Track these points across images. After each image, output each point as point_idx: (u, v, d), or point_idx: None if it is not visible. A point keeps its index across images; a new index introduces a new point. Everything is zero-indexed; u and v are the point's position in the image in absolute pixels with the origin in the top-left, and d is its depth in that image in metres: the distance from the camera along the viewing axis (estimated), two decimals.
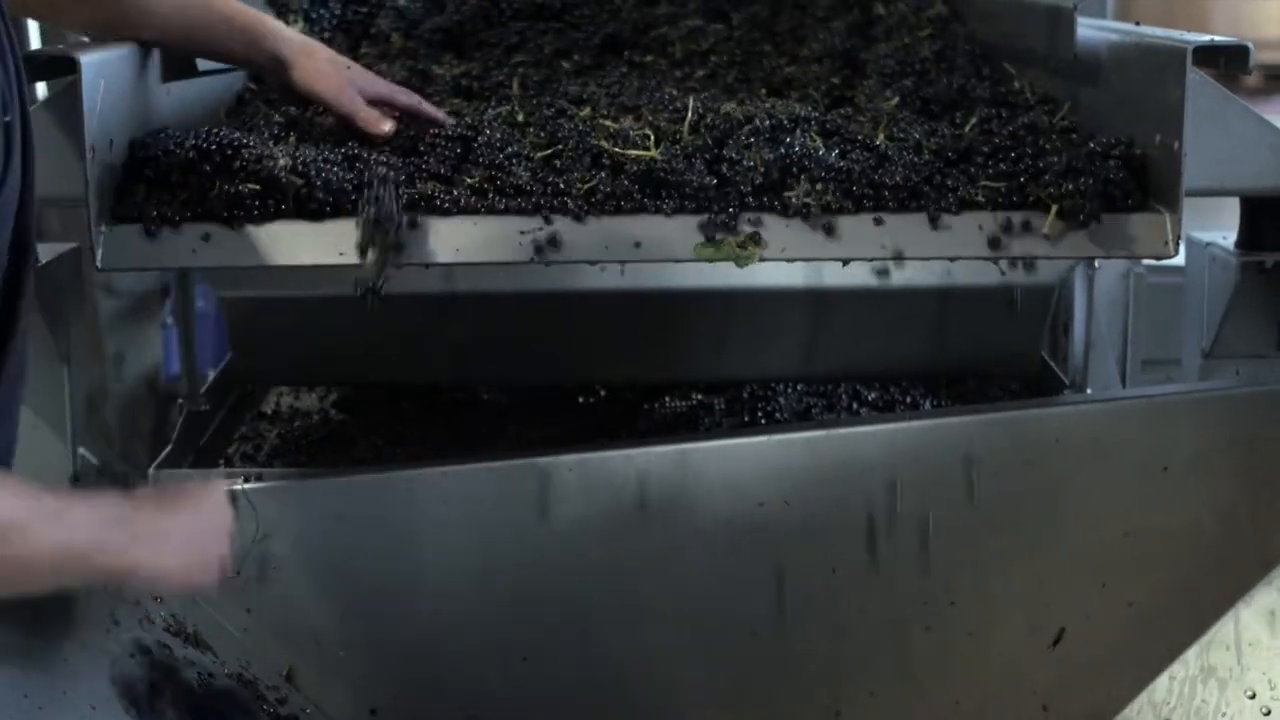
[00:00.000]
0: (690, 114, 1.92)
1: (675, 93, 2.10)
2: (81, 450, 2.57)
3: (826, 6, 2.56)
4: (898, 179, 1.83)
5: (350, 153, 1.83)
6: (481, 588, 2.04)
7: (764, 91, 2.23)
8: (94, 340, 2.66)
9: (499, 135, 1.86)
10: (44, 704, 1.60)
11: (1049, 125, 1.95)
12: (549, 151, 1.85)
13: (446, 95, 2.15)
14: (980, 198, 1.83)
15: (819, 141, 1.87)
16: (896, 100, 2.10)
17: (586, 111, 1.99)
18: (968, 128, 1.96)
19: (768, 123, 1.88)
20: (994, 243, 1.82)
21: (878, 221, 1.82)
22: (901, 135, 1.92)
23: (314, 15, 2.52)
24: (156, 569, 1.51)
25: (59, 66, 1.72)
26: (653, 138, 1.86)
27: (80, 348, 2.61)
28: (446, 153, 1.86)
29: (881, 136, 1.90)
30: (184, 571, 1.54)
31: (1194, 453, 2.03)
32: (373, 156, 1.83)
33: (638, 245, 1.80)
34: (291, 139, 1.89)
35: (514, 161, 1.83)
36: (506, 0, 2.55)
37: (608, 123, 1.92)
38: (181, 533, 1.55)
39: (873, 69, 2.28)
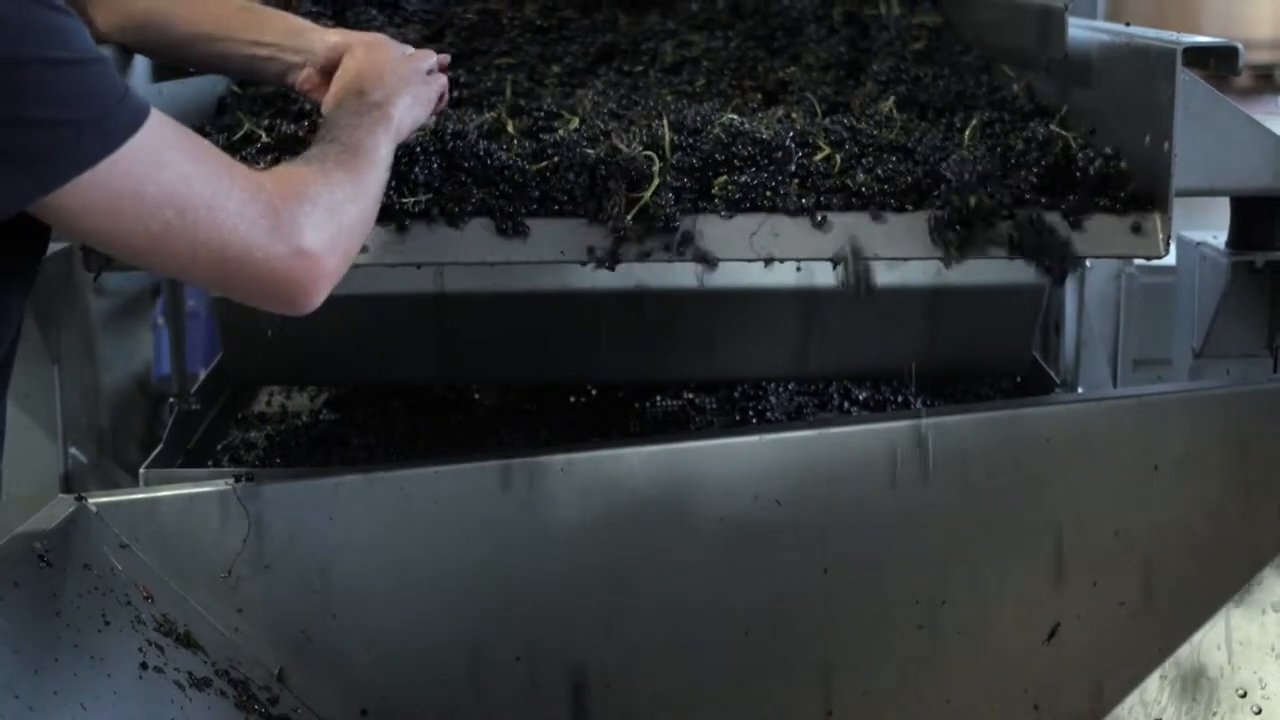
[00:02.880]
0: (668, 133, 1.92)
1: (669, 98, 2.11)
2: (72, 449, 2.57)
3: (820, 17, 2.57)
4: (903, 182, 1.84)
5: None
6: (472, 587, 2.04)
7: (759, 97, 2.24)
8: (85, 340, 2.65)
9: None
10: (35, 704, 1.60)
11: (1047, 130, 1.96)
12: (543, 164, 1.86)
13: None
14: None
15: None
16: (892, 101, 2.10)
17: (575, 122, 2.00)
18: (967, 132, 1.96)
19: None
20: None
21: (875, 217, 1.83)
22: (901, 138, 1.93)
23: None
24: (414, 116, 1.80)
25: None
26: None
27: (71, 348, 2.61)
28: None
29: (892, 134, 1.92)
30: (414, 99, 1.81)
31: (1185, 452, 2.03)
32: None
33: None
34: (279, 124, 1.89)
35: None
36: (507, 18, 2.57)
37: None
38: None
39: (867, 75, 2.29)
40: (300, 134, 1.94)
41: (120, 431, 2.76)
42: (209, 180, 1.45)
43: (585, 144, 1.86)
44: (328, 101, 1.80)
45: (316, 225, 1.52)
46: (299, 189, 1.53)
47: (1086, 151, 1.88)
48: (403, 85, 1.80)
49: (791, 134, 1.91)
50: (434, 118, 1.90)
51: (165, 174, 1.42)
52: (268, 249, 1.48)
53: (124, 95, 1.41)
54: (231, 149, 1.87)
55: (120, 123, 1.39)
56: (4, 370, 1.56)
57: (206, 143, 1.51)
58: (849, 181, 1.87)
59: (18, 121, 1.34)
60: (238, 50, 1.87)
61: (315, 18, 2.17)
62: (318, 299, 1.55)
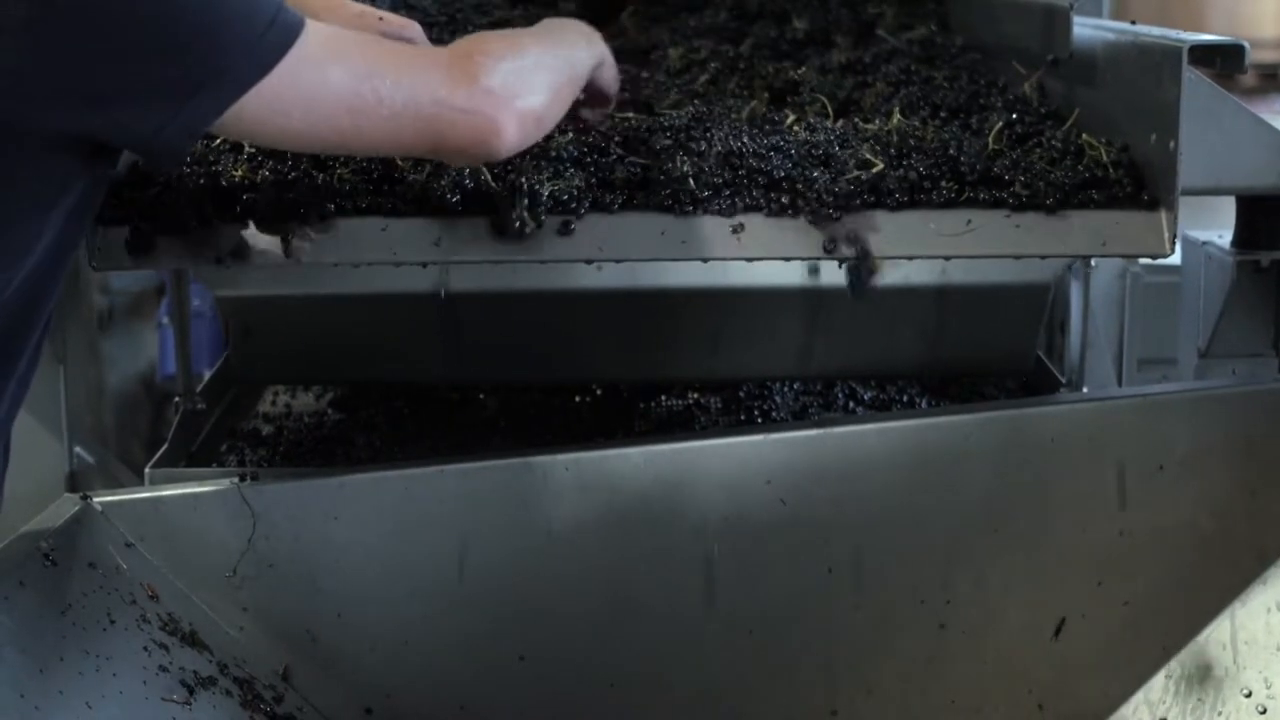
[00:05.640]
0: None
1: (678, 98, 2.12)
2: (77, 449, 2.58)
3: (825, 26, 2.59)
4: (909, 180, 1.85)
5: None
6: (477, 586, 2.04)
7: (766, 95, 2.24)
8: (90, 340, 2.66)
9: None
10: (40, 703, 1.60)
11: (1076, 139, 1.96)
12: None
13: None
14: (983, 196, 1.85)
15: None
16: (898, 106, 2.11)
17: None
18: (991, 136, 1.96)
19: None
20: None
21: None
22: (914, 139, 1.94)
23: None
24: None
25: None
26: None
27: (76, 347, 2.62)
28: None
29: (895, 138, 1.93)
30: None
31: (1190, 451, 2.03)
32: None
33: None
34: None
35: None
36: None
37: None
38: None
39: (877, 75, 2.29)
40: None
41: (125, 431, 2.76)
42: (380, 59, 1.56)
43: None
44: None
45: (499, 67, 1.61)
46: (481, 43, 1.64)
47: (1115, 165, 1.88)
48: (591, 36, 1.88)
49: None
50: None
51: (334, 70, 1.52)
52: (453, 95, 1.57)
53: (278, 9, 1.47)
54: None
55: (282, 33, 1.47)
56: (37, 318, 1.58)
57: (366, 34, 1.64)
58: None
59: (180, 47, 1.41)
60: None
61: None
62: (512, 137, 1.63)
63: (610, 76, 1.92)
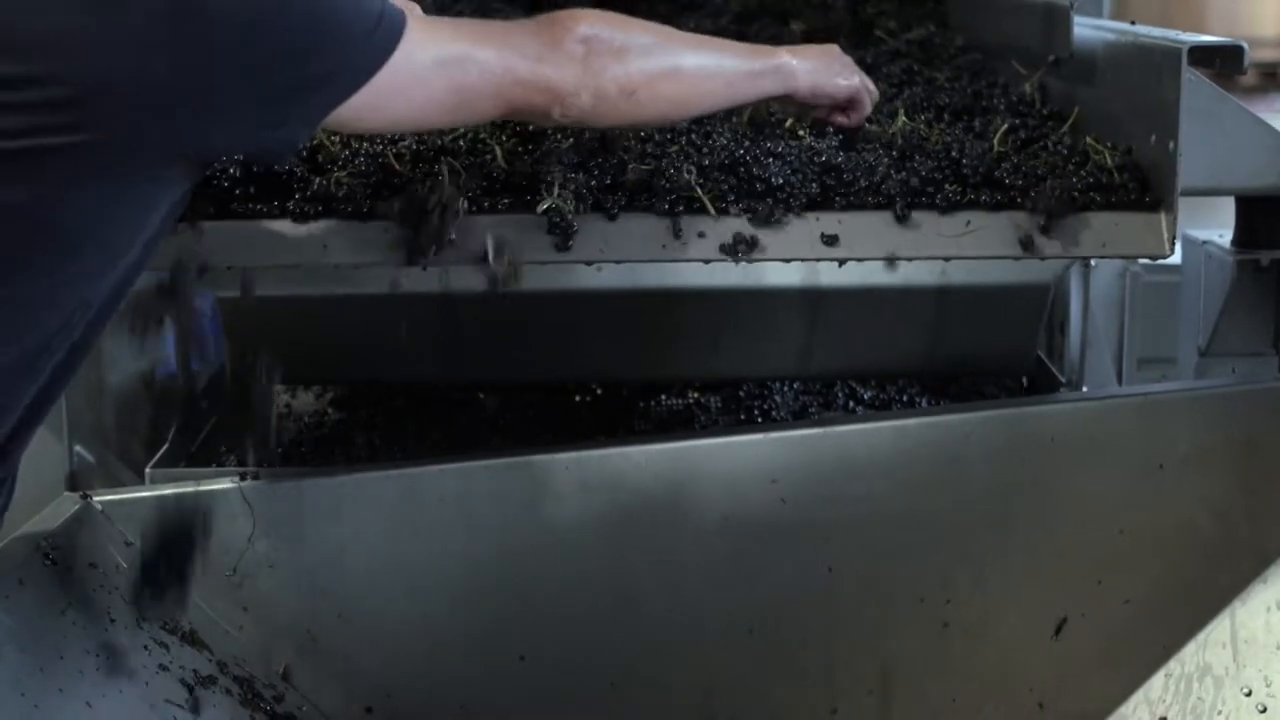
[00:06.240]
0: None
1: None
2: (78, 448, 2.57)
3: (825, 26, 2.59)
4: (914, 180, 1.85)
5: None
6: (477, 586, 2.04)
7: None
8: None
9: None
10: (40, 701, 1.60)
11: (1048, 130, 1.96)
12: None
13: None
14: (984, 198, 1.85)
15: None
16: (902, 108, 2.11)
17: None
18: (996, 138, 1.96)
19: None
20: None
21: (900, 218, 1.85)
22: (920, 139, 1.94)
23: None
24: (802, 65, 1.85)
25: None
26: None
27: None
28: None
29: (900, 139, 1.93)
30: (826, 69, 1.88)
31: (1190, 450, 2.03)
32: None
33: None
34: None
35: None
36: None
37: None
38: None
39: (879, 76, 2.29)
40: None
41: (126, 430, 2.76)
42: (479, 37, 1.63)
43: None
44: None
45: (587, 37, 1.67)
46: (580, 17, 1.69)
47: (1120, 169, 1.88)
48: (823, 55, 1.90)
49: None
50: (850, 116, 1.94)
51: (439, 52, 1.58)
52: (537, 63, 1.64)
53: (384, 5, 1.52)
54: None
55: (390, 29, 1.52)
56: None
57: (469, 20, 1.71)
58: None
59: (296, 52, 1.45)
60: None
61: None
62: (585, 102, 1.68)
63: (830, 79, 1.90)
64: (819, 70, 1.87)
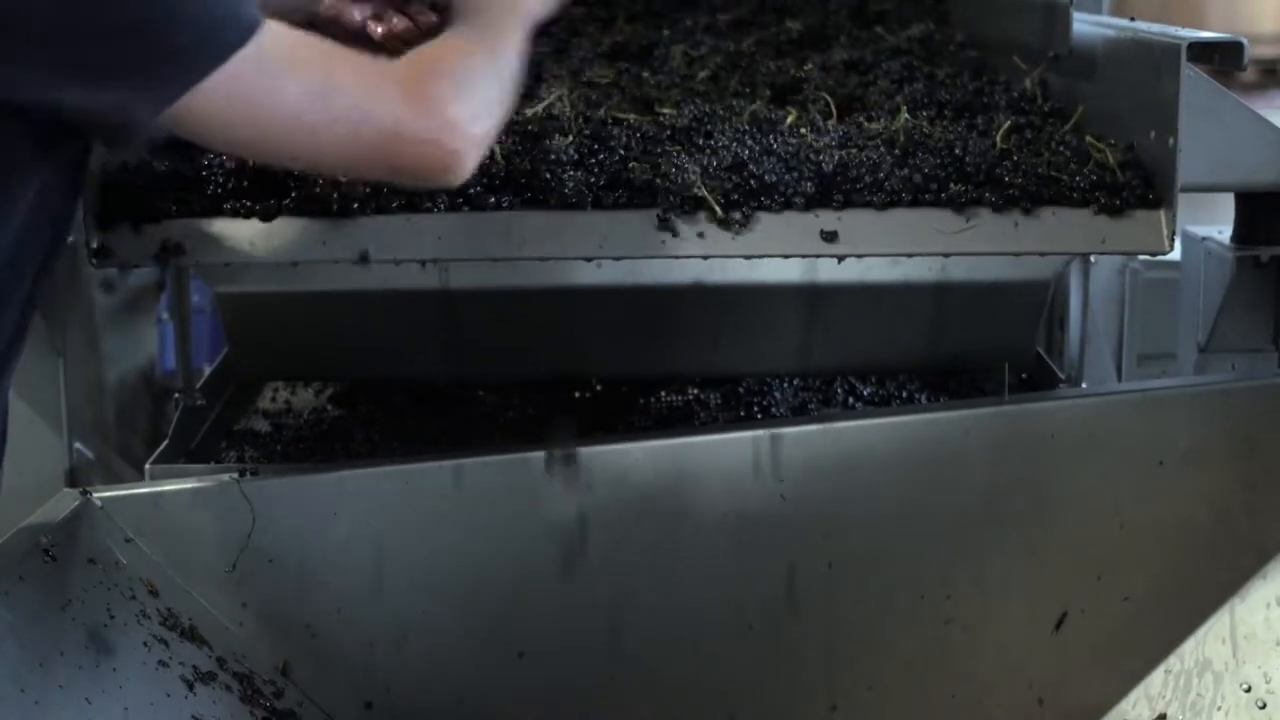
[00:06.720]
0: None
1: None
2: (77, 444, 2.58)
3: (824, 24, 2.59)
4: (918, 178, 1.85)
5: None
6: (477, 582, 2.04)
7: (768, 93, 2.24)
8: (89, 335, 2.66)
9: None
10: (40, 697, 1.60)
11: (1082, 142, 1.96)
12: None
13: None
14: (989, 195, 1.85)
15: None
16: (904, 104, 2.11)
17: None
18: (999, 136, 1.96)
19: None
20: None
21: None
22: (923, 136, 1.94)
23: None
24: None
25: None
26: None
27: (75, 342, 2.62)
28: None
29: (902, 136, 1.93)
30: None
31: (1189, 447, 2.03)
32: None
33: None
34: None
35: None
36: None
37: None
38: None
39: (879, 73, 2.29)
40: None
41: (125, 426, 2.76)
42: (339, 73, 1.52)
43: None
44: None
45: (457, 95, 1.57)
46: (435, 65, 1.59)
47: (1123, 167, 1.88)
48: None
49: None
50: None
51: (291, 76, 1.48)
52: (413, 124, 1.54)
53: (239, 3, 1.45)
54: None
55: (239, 27, 1.44)
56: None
57: (328, 43, 1.57)
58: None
59: (136, 24, 1.39)
60: None
61: None
62: (468, 166, 1.59)
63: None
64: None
